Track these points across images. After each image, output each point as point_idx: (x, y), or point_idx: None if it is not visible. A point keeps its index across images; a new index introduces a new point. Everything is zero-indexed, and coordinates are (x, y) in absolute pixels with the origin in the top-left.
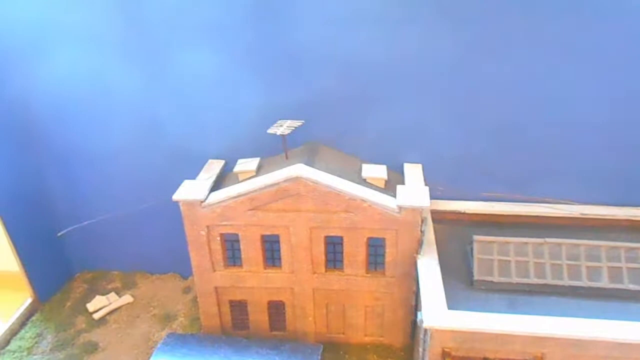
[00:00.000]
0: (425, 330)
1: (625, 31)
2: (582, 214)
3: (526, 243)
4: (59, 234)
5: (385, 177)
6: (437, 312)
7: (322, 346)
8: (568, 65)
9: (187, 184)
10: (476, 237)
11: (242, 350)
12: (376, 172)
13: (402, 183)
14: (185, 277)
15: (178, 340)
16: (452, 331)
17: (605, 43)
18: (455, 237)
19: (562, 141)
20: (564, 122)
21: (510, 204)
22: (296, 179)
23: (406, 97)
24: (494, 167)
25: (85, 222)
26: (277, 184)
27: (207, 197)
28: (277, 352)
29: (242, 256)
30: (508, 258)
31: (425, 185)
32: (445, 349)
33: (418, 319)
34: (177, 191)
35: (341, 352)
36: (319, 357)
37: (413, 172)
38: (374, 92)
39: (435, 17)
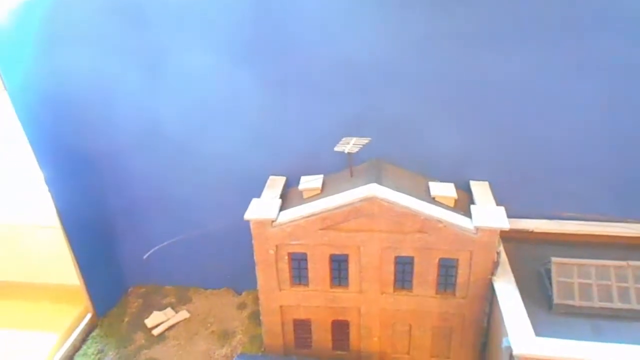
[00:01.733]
0: (512, 356)
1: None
2: None
3: (607, 265)
4: (145, 256)
5: (455, 195)
6: (525, 339)
7: None
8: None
9: (255, 202)
10: (554, 259)
11: None
12: (445, 190)
13: (471, 201)
14: (239, 293)
15: None
16: (541, 359)
17: None
18: (525, 257)
19: (634, 159)
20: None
21: (581, 224)
22: (371, 199)
23: (467, 113)
24: (561, 185)
25: (165, 243)
26: (352, 204)
27: (278, 216)
28: None
29: (309, 275)
30: (589, 281)
31: (497, 204)
32: None
33: (504, 345)
34: (248, 210)
35: None
36: None
37: (481, 190)
38: (434, 109)
39: (504, 38)
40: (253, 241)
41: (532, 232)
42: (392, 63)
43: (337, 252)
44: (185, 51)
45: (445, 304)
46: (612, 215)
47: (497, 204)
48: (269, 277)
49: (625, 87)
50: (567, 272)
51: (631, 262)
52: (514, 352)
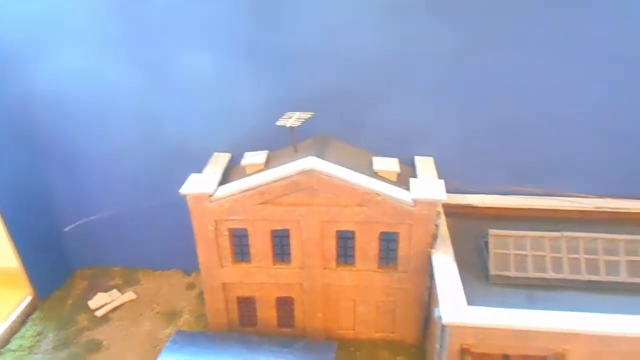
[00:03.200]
0: (444, 326)
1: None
2: (597, 207)
3: (543, 237)
4: (66, 229)
5: (398, 170)
6: (456, 308)
7: (336, 343)
8: (580, 59)
9: (194, 177)
10: (492, 231)
11: (254, 348)
12: (388, 165)
13: (414, 176)
14: (188, 273)
15: (187, 338)
16: (472, 327)
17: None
18: (468, 231)
19: (576, 134)
20: (577, 114)
21: (523, 198)
22: (309, 172)
23: (418, 90)
24: (506, 160)
25: (93, 217)
26: (290, 177)
27: (215, 190)
28: (290, 350)
29: (251, 251)
30: (524, 252)
31: (439, 178)
32: (464, 346)
33: (436, 315)
34: (185, 185)
35: (352, 349)
36: (334, 355)
37: (425, 165)
38: (383, 86)
39: (448, 12)
40: (191, 216)
41: (476, 207)
42: (337, 38)
43: (278, 227)
44: None
45: (388, 278)
46: (550, 189)
47: (440, 179)
48: (210, 253)
49: (565, 64)
50: (503, 244)
51: (565, 233)
52: (443, 321)
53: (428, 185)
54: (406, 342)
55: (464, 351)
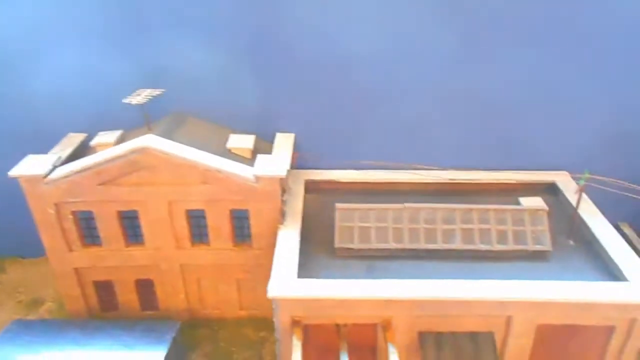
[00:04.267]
0: (274, 300)
1: None
2: (451, 179)
3: (386, 209)
4: None
5: (251, 146)
6: (283, 282)
7: (179, 323)
8: (434, 34)
9: (30, 159)
10: (338, 205)
11: (92, 333)
12: (242, 142)
13: (271, 153)
14: None
15: (23, 327)
16: (299, 300)
17: None
18: (327, 206)
19: (431, 109)
20: (432, 90)
21: (385, 172)
22: (144, 150)
23: (278, 66)
24: (367, 135)
25: None
26: (124, 156)
27: (50, 172)
28: (129, 332)
29: (101, 234)
30: (369, 224)
31: (295, 153)
32: (295, 318)
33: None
34: (17, 166)
35: (215, 328)
36: (174, 334)
37: (284, 141)
38: (246, 63)
39: None
40: (27, 199)
41: (339, 182)
42: (196, 12)
43: (124, 209)
44: None
45: (244, 255)
46: (413, 163)
47: (301, 155)
48: (54, 238)
49: (421, 37)
50: (349, 217)
51: (407, 205)
52: (268, 295)
53: (272, 161)
54: (270, 318)
55: (294, 323)
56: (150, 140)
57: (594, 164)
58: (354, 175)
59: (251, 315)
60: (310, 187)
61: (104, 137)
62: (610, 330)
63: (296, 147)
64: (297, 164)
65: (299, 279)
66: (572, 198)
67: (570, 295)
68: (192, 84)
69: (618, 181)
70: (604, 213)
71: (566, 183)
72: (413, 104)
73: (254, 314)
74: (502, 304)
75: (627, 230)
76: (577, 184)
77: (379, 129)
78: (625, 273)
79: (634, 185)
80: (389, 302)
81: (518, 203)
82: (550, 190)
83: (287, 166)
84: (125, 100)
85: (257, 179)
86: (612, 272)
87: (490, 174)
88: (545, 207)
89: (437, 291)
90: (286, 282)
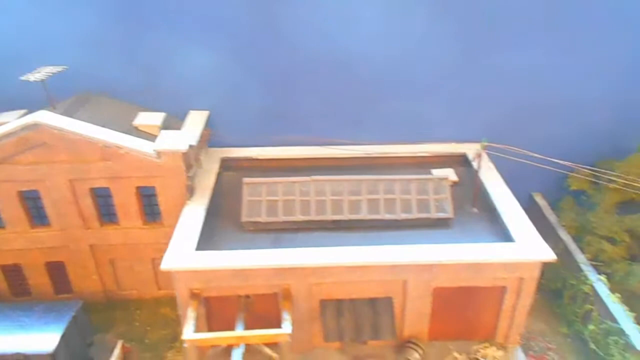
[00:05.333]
0: (171, 273)
1: None
2: (368, 154)
3: (294, 182)
4: None
5: (159, 124)
6: (179, 254)
7: (80, 303)
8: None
9: None
10: (245, 180)
11: None
12: (150, 119)
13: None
14: None
15: None
16: (195, 271)
17: None
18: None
19: (350, 86)
20: (347, 66)
21: (304, 148)
22: (35, 127)
23: (190, 42)
24: (287, 113)
25: None
26: (14, 133)
27: None
28: (28, 314)
29: (3, 216)
30: (276, 198)
31: (207, 130)
32: (194, 290)
33: None
34: None
35: (132, 309)
36: (74, 313)
37: (196, 118)
38: (159, 43)
39: None
40: None
41: (258, 159)
42: None
43: (25, 189)
44: None
45: (155, 234)
46: (333, 138)
47: (214, 132)
48: None
49: (343, 14)
50: (256, 191)
51: (314, 177)
52: (161, 267)
53: (175, 136)
54: None
55: (193, 296)
56: (42, 117)
57: (508, 137)
58: (273, 152)
59: (170, 294)
60: (228, 165)
61: (3, 117)
62: (502, 290)
63: (212, 125)
64: (214, 141)
65: (197, 251)
66: (483, 168)
67: (459, 257)
68: (101, 63)
69: (520, 150)
70: (519, 184)
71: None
72: (330, 80)
73: (173, 293)
74: (395, 268)
75: (540, 200)
76: (476, 152)
77: (298, 106)
78: (513, 234)
79: (536, 154)
80: (284, 271)
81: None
82: (463, 162)
83: (193, 141)
84: (24, 78)
85: (159, 154)
86: (504, 235)
87: (407, 147)
88: (454, 177)
89: (332, 258)
90: (183, 254)
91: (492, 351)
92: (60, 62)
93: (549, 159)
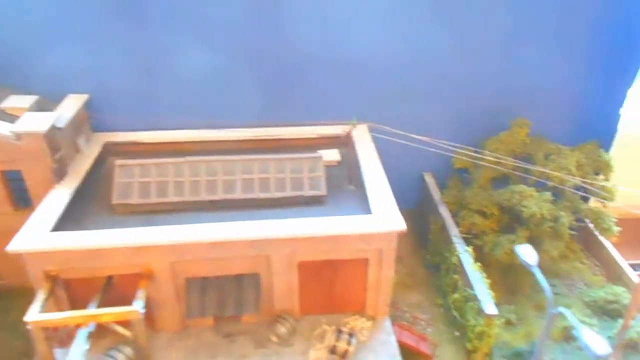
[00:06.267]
0: (21, 256)
1: None
2: (256, 136)
3: (167, 163)
4: None
5: (27, 106)
6: (31, 236)
7: None
8: None
9: None
10: (117, 162)
11: None
12: (20, 102)
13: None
14: None
15: None
16: (48, 252)
17: None
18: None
19: (237, 67)
20: (233, 48)
21: (192, 132)
22: None
23: (79, 25)
24: (173, 96)
25: None
26: None
27: None
28: None
29: None
30: (149, 179)
31: (85, 113)
32: (51, 272)
33: None
34: None
35: (12, 298)
36: None
37: (72, 102)
38: (36, 19)
39: None
40: None
41: (143, 143)
42: None
43: None
44: None
45: (27, 218)
46: (222, 120)
47: (94, 115)
48: None
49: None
50: (128, 173)
51: (188, 158)
52: (6, 248)
53: (36, 118)
54: None
55: (49, 278)
56: None
57: (393, 118)
58: (158, 135)
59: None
60: (112, 150)
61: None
62: (365, 263)
63: (92, 109)
64: (102, 125)
65: (52, 233)
66: (363, 148)
67: (315, 231)
68: None
69: (405, 133)
70: (410, 165)
71: (361, 135)
72: (218, 62)
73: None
74: (255, 243)
75: (429, 179)
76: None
77: (183, 88)
78: (372, 208)
79: (416, 136)
80: (142, 249)
81: None
82: (348, 143)
83: (59, 123)
84: None
85: (18, 136)
86: (365, 209)
87: (298, 129)
88: (337, 157)
89: (189, 235)
90: (34, 236)
91: (361, 322)
92: None
93: (434, 141)
